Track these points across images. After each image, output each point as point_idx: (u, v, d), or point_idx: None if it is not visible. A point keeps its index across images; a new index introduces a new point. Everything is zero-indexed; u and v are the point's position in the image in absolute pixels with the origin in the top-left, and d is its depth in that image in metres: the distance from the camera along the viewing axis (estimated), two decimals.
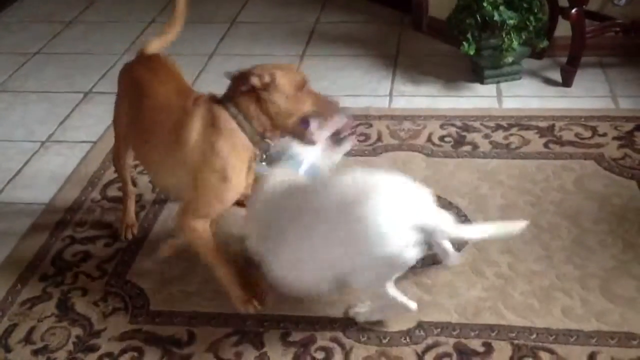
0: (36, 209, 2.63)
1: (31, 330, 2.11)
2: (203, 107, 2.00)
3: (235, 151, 1.96)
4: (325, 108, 2.02)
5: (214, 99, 2.02)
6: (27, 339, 2.08)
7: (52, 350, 2.03)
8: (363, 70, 3.53)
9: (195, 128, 1.97)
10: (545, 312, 2.06)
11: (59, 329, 2.10)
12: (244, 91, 1.95)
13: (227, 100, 1.99)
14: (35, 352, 2.03)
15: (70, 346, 2.04)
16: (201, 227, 2.02)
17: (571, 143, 2.80)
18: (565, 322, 2.02)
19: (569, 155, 2.74)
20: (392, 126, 3.00)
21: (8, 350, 2.04)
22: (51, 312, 2.16)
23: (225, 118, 1.97)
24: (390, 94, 3.29)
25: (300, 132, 2.00)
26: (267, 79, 1.93)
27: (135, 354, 2.00)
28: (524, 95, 3.20)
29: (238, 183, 1.99)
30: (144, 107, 2.12)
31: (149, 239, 2.43)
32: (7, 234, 2.50)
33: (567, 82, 3.24)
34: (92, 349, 2.03)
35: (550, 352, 1.93)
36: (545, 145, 2.81)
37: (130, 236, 2.43)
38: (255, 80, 1.93)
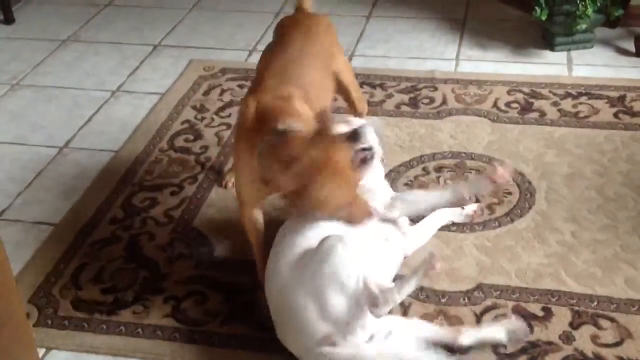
0: (106, 155, 2.71)
1: (100, 270, 2.19)
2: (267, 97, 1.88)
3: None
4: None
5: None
6: (97, 279, 2.16)
7: (120, 290, 2.11)
8: (429, 33, 3.50)
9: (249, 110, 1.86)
10: (608, 281, 2.04)
11: (127, 270, 2.18)
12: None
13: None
14: (104, 291, 2.12)
15: (137, 287, 2.12)
16: (245, 214, 2.00)
17: None
18: (628, 292, 2.00)
19: (639, 126, 2.68)
20: (457, 90, 2.98)
21: (78, 288, 2.13)
22: (120, 254, 2.24)
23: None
24: (457, 58, 3.26)
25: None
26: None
27: (199, 297, 2.07)
28: (595, 64, 3.13)
29: (243, 184, 1.91)
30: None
31: (214, 188, 2.49)
32: (79, 179, 2.59)
33: None
34: (159, 290, 2.10)
35: (611, 320, 1.93)
36: (615, 115, 2.75)
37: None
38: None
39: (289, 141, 1.70)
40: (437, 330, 1.85)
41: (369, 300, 1.68)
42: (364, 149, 2.02)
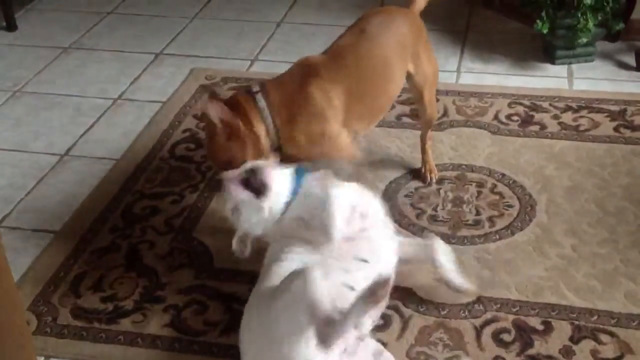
0: (107, 163, 2.71)
1: (100, 278, 2.19)
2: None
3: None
4: None
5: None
6: (97, 287, 2.16)
7: (120, 299, 2.11)
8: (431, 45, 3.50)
9: None
10: (608, 295, 2.05)
11: (127, 279, 2.18)
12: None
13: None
14: (104, 300, 2.11)
15: (137, 296, 2.12)
16: None
17: None
18: (628, 307, 2.01)
19: (639, 140, 2.69)
20: (458, 102, 2.98)
21: (78, 296, 2.13)
22: (119, 263, 2.24)
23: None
24: (458, 70, 3.27)
25: None
26: None
27: (199, 307, 2.07)
28: (596, 78, 3.14)
29: None
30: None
31: (215, 197, 2.49)
32: (79, 186, 2.59)
33: None
34: (158, 300, 2.10)
35: (611, 334, 1.93)
36: (616, 129, 2.76)
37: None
38: None
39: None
40: None
41: (317, 336, 1.58)
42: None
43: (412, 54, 2.29)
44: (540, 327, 1.96)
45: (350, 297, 1.65)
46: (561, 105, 2.92)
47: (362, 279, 1.76)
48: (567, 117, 2.85)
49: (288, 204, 1.87)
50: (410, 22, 2.31)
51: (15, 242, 2.34)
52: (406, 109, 2.94)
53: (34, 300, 2.11)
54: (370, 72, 2.16)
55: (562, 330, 1.95)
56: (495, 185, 2.49)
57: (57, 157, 2.77)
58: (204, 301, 2.09)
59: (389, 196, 2.46)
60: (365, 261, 1.84)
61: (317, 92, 2.05)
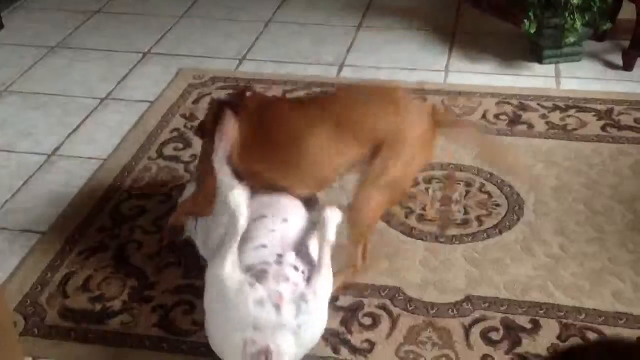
0: (95, 163, 2.69)
1: (88, 279, 2.18)
2: None
3: None
4: None
5: None
6: (84, 287, 2.15)
7: (107, 299, 2.10)
8: (419, 45, 3.51)
9: None
10: (595, 293, 2.06)
11: (115, 279, 2.17)
12: None
13: None
14: (92, 300, 2.10)
15: (125, 296, 2.11)
16: None
17: (630, 127, 2.77)
18: (615, 305, 2.02)
19: (626, 139, 2.71)
20: (446, 101, 2.99)
21: (65, 296, 2.12)
22: (107, 263, 2.23)
23: None
24: (446, 70, 3.28)
25: None
26: None
27: (187, 307, 2.06)
28: (583, 77, 3.15)
29: None
30: None
31: None
32: (66, 186, 2.58)
33: (628, 66, 3.18)
34: (146, 299, 2.09)
35: (599, 332, 1.94)
36: (603, 128, 2.78)
37: None
38: None
39: None
40: None
41: None
42: None
43: (381, 144, 1.89)
44: (529, 326, 1.96)
45: (264, 253, 1.77)
46: (549, 104, 2.94)
47: (269, 233, 1.85)
48: (555, 117, 2.86)
49: None
50: (410, 121, 1.92)
51: (2, 243, 2.32)
52: None
53: (21, 300, 2.10)
54: (292, 135, 1.93)
55: (550, 328, 1.95)
56: (483, 185, 2.50)
57: (44, 157, 2.75)
58: (192, 301, 2.08)
59: None
60: (264, 216, 1.90)
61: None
